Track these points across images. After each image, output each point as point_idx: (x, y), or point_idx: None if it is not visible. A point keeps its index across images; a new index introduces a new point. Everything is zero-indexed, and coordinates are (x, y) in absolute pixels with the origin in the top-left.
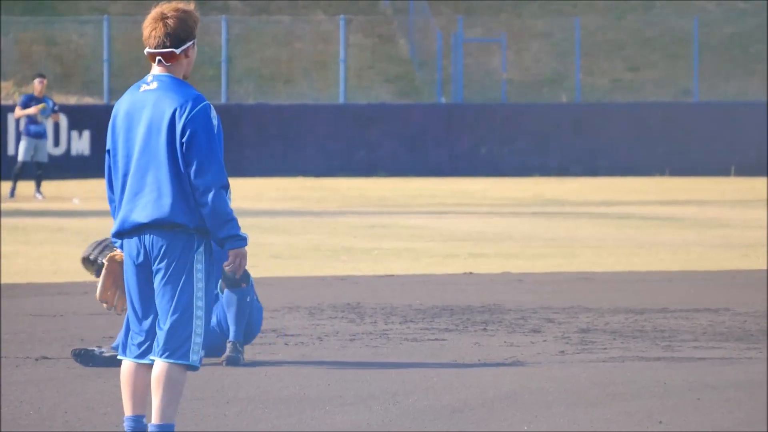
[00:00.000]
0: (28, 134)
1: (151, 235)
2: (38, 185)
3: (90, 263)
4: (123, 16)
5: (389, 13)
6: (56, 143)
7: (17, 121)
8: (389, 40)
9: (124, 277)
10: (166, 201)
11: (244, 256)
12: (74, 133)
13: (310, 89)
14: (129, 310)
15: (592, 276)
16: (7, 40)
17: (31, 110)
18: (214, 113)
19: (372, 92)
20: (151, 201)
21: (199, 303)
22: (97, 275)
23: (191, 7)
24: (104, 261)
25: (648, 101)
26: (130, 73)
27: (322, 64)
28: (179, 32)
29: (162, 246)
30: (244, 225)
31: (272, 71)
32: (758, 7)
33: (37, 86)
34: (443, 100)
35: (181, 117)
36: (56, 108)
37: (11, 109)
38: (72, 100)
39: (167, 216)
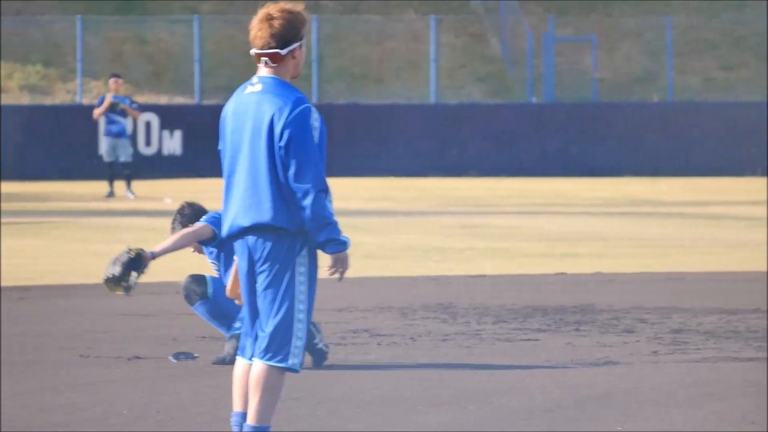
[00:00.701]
0: (108, 134)
1: (255, 238)
2: (128, 185)
3: (114, 283)
4: (214, 15)
5: (480, 13)
6: (147, 143)
7: (97, 121)
8: (480, 39)
9: (239, 278)
10: (267, 205)
11: (345, 260)
12: (165, 133)
13: (401, 89)
14: (244, 311)
15: (684, 276)
16: (97, 40)
17: (103, 106)
18: (315, 116)
19: (463, 92)
20: (252, 204)
21: (300, 306)
22: (127, 292)
23: (300, 7)
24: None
25: (740, 101)
26: (222, 72)
27: (413, 63)
28: (285, 33)
29: (264, 249)
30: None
31: (363, 70)
32: None
33: (112, 85)
34: (534, 99)
35: (279, 120)
36: (135, 105)
37: None
38: (163, 99)
39: (267, 220)
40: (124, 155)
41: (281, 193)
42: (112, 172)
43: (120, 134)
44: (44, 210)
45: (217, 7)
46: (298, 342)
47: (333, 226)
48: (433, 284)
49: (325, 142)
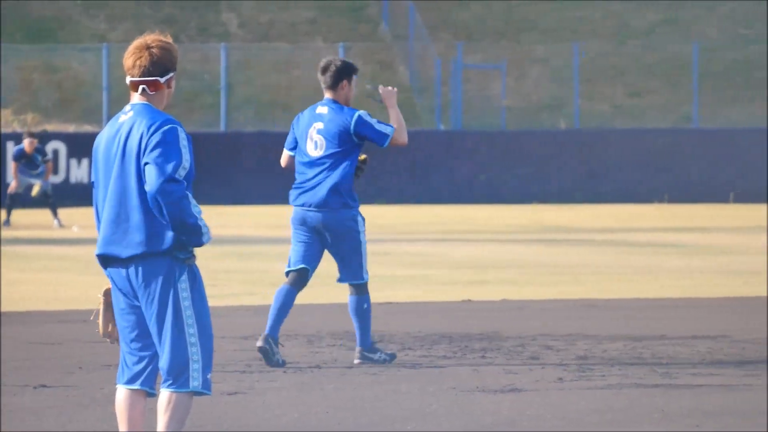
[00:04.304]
0: (26, 175)
1: (131, 266)
2: (54, 213)
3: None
4: (122, 44)
5: (388, 40)
6: (55, 171)
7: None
8: (388, 66)
9: (113, 306)
10: (139, 231)
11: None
12: (73, 161)
13: None
14: (120, 338)
15: (593, 303)
16: (7, 68)
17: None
18: (183, 135)
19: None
20: (125, 231)
21: (191, 330)
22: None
23: (170, 39)
24: (100, 296)
25: (648, 127)
26: (129, 101)
27: (321, 91)
28: (164, 62)
29: (144, 277)
30: (245, 252)
31: (272, 98)
32: (759, 33)
33: (27, 147)
34: (442, 126)
35: (146, 138)
36: (48, 158)
37: (10, 137)
38: (71, 127)
39: (140, 246)
40: (44, 185)
41: (152, 217)
42: (12, 203)
43: (38, 175)
44: None
45: (126, 35)
46: (195, 365)
47: (197, 228)
48: (341, 311)
49: (188, 159)
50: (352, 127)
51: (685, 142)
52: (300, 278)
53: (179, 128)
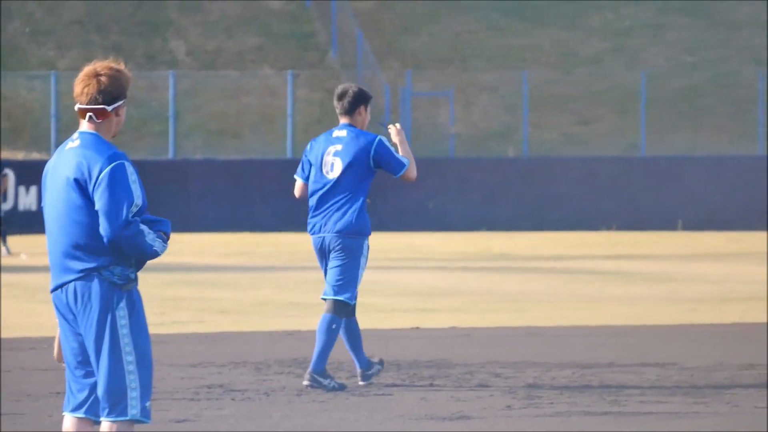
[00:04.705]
0: None
1: (71, 291)
2: (4, 241)
3: None
4: (70, 71)
5: (337, 68)
6: (3, 198)
7: None
8: None
9: (59, 332)
10: (78, 257)
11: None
12: (21, 189)
13: (257, 144)
14: (66, 365)
15: (540, 331)
16: None
17: None
18: (131, 170)
19: None
20: (66, 256)
21: (129, 358)
22: None
23: (123, 66)
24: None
25: (596, 155)
26: (78, 128)
27: (269, 118)
28: (112, 90)
29: (83, 302)
30: (193, 280)
31: (220, 126)
32: (705, 61)
33: None
34: None
35: (93, 175)
36: (4, 173)
37: None
38: (20, 155)
39: (77, 271)
40: None
41: (91, 242)
42: None
43: None
44: None
45: (74, 63)
46: (133, 393)
47: (154, 250)
48: (288, 339)
49: (137, 193)
50: (372, 150)
51: (633, 170)
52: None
53: (126, 163)
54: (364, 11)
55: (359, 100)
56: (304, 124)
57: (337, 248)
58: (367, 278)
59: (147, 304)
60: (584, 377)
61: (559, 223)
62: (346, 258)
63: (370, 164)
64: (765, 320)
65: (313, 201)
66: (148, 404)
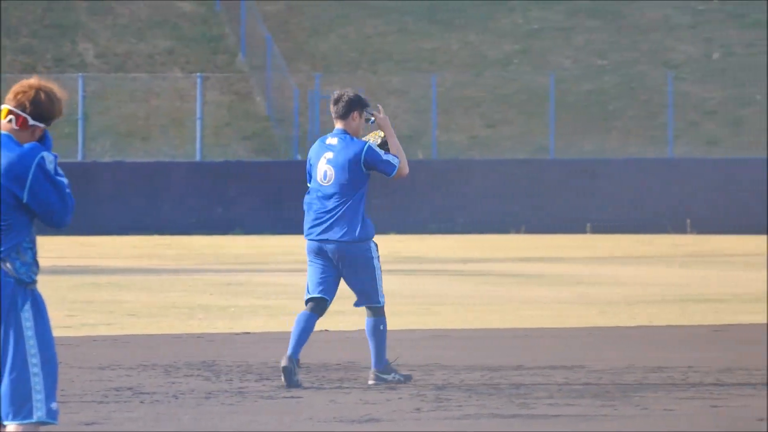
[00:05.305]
0: None
1: None
2: None
3: None
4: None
5: (246, 71)
6: None
7: None
8: (246, 97)
9: None
10: None
11: None
12: None
13: (167, 146)
14: None
15: (449, 333)
16: None
17: None
18: (51, 158)
19: (229, 149)
20: None
21: (33, 360)
22: None
23: (62, 98)
24: None
25: (505, 158)
26: None
27: (179, 121)
28: (42, 108)
29: None
30: (102, 282)
31: (129, 128)
32: (615, 64)
33: None
34: (299, 157)
35: (14, 172)
36: None
37: None
38: None
39: None
40: None
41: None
42: None
43: None
44: None
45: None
46: (38, 395)
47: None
48: (197, 342)
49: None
50: (362, 156)
51: (542, 173)
52: (319, 306)
53: (43, 153)
54: (273, 14)
55: (353, 105)
56: (213, 126)
57: (348, 258)
58: (278, 281)
59: (56, 307)
60: (493, 380)
61: (468, 226)
62: (363, 266)
63: (363, 170)
64: (674, 323)
65: (311, 208)
66: (54, 406)
